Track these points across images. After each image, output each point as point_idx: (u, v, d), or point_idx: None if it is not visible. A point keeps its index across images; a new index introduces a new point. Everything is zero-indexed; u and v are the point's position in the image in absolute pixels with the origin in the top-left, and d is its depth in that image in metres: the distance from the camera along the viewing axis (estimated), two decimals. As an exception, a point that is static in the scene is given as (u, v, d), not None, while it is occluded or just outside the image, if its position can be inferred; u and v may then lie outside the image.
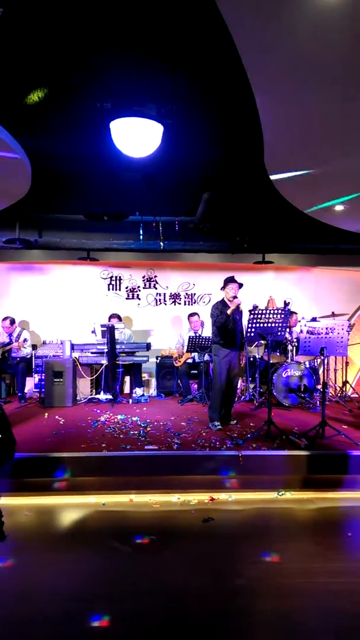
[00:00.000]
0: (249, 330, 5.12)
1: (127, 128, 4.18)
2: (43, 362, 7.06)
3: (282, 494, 4.29)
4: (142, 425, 5.70)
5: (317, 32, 2.74)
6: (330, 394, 7.37)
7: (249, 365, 7.37)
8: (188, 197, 6.41)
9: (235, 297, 5.44)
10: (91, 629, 2.47)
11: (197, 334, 7.38)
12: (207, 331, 6.63)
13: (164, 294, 8.95)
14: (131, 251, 8.00)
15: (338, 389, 7.64)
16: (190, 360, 7.58)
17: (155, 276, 8.94)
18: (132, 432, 5.33)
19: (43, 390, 7.06)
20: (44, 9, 2.91)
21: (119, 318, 8.08)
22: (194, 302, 8.95)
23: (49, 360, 7.05)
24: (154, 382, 8.30)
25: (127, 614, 2.59)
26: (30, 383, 7.63)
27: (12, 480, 4.27)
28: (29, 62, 3.49)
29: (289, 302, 6.29)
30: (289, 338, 6.97)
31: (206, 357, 7.14)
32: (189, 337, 7.22)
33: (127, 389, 8.23)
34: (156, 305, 8.96)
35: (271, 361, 6.84)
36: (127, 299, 8.92)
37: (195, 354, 7.41)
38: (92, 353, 7.38)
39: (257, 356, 7.47)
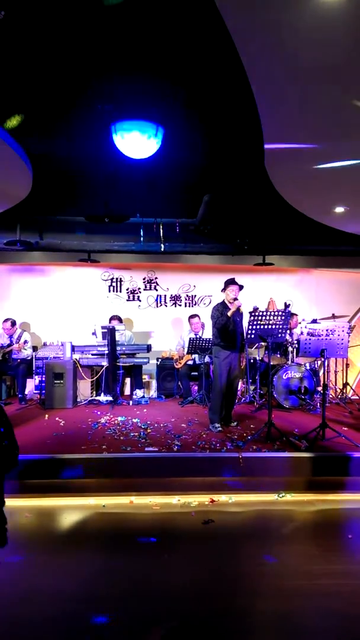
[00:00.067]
0: (249, 332, 5.12)
1: (128, 130, 4.20)
2: (43, 363, 7.07)
3: (283, 496, 4.29)
4: (143, 427, 5.70)
5: (318, 31, 2.75)
6: (330, 396, 7.37)
7: (249, 367, 7.37)
8: (189, 199, 6.42)
9: (235, 299, 5.44)
10: (91, 630, 2.48)
11: (198, 336, 7.39)
12: (208, 333, 6.64)
13: (165, 295, 8.96)
14: (132, 253, 8.02)
15: (338, 390, 7.64)
16: (190, 362, 7.59)
17: (156, 278, 8.95)
18: (132, 434, 5.33)
19: (43, 391, 7.06)
20: (46, 14, 2.92)
21: (120, 320, 8.08)
22: (195, 304, 8.96)
23: (49, 361, 7.06)
24: (154, 383, 8.31)
25: (128, 615, 2.59)
26: (30, 385, 7.64)
27: (12, 482, 4.27)
28: (29, 63, 3.50)
29: (289, 304, 6.28)
30: (290, 340, 6.97)
31: (207, 359, 7.14)
32: (190, 338, 7.23)
33: (127, 391, 8.23)
34: (157, 306, 8.96)
35: (271, 363, 6.85)
36: (127, 300, 8.93)
37: (196, 356, 7.41)
38: (92, 355, 7.38)
39: (257, 358, 7.47)
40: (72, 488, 4.33)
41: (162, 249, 7.60)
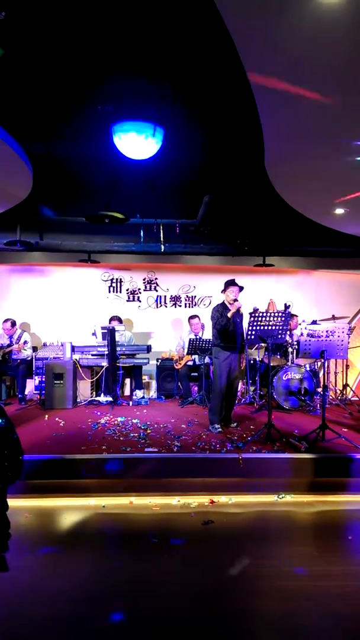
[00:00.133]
0: (249, 332, 5.12)
1: (128, 130, 4.20)
2: (43, 364, 7.07)
3: (282, 497, 4.28)
4: (143, 427, 5.69)
5: (317, 32, 2.75)
6: (330, 397, 7.36)
7: (249, 367, 7.37)
8: (188, 200, 6.43)
9: (235, 300, 5.44)
10: (91, 630, 2.47)
11: (198, 337, 7.38)
12: (208, 334, 6.64)
13: (165, 296, 8.97)
14: (132, 253, 8.02)
15: (338, 392, 7.64)
16: (190, 363, 7.59)
17: (156, 278, 8.95)
18: (132, 435, 5.33)
19: (43, 392, 7.06)
20: (47, 15, 2.93)
21: (120, 320, 8.08)
22: (195, 305, 8.96)
23: (49, 362, 7.06)
24: (154, 384, 8.30)
25: (127, 615, 2.59)
26: (30, 385, 7.64)
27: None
28: (29, 63, 3.50)
29: (289, 305, 6.27)
30: (290, 341, 6.97)
31: (206, 360, 7.14)
32: (190, 339, 7.23)
33: (127, 391, 8.23)
34: (157, 307, 8.97)
35: (271, 364, 6.84)
36: (127, 301, 8.94)
37: (196, 357, 7.41)
38: (92, 355, 7.38)
39: (257, 359, 7.47)
40: (72, 488, 4.32)
41: (162, 250, 7.61)
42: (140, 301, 8.95)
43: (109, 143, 4.50)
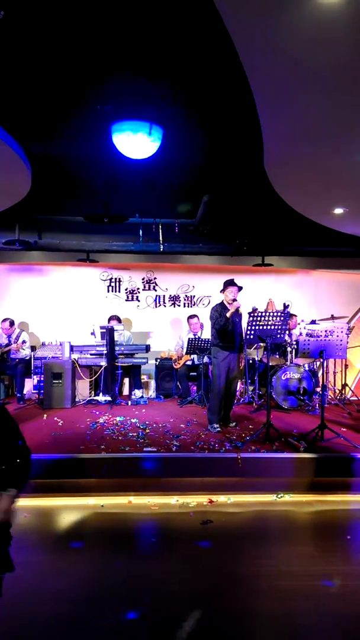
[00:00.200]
0: (248, 332, 5.12)
1: (127, 130, 4.20)
2: (42, 363, 7.06)
3: (281, 497, 4.29)
4: (141, 427, 5.69)
5: (317, 32, 2.75)
6: (329, 397, 7.37)
7: (248, 367, 7.38)
8: (188, 200, 6.43)
9: (234, 300, 5.45)
10: (91, 629, 2.47)
11: (197, 336, 7.39)
12: (207, 333, 6.64)
13: (164, 295, 8.96)
14: (131, 253, 8.02)
15: (337, 391, 7.65)
16: (189, 362, 7.59)
17: (155, 278, 8.95)
18: (131, 434, 5.33)
19: (42, 391, 7.05)
20: (46, 14, 2.92)
21: (119, 320, 8.08)
22: (194, 304, 8.96)
23: (48, 361, 7.05)
24: (153, 384, 8.30)
25: (126, 615, 2.59)
26: (29, 384, 7.63)
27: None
28: (29, 63, 3.50)
29: (288, 305, 6.28)
30: (288, 340, 6.98)
31: (205, 359, 7.14)
32: (189, 339, 7.23)
33: (126, 391, 8.23)
34: (155, 307, 8.96)
35: (270, 364, 6.84)
36: (126, 300, 8.93)
37: (195, 356, 7.41)
38: (91, 355, 7.38)
39: (256, 358, 7.47)
40: (71, 488, 4.32)
41: (161, 250, 7.61)
42: (139, 301, 8.95)
43: (109, 143, 4.50)
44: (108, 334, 7.08)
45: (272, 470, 4.50)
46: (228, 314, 5.38)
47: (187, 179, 5.72)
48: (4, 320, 7.49)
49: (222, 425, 5.62)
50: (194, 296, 8.97)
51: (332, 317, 7.54)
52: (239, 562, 3.22)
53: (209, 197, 6.17)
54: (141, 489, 4.31)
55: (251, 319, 5.12)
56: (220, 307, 5.52)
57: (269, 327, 5.13)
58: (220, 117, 4.28)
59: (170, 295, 8.96)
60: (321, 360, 5.43)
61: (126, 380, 8.09)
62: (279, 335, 5.20)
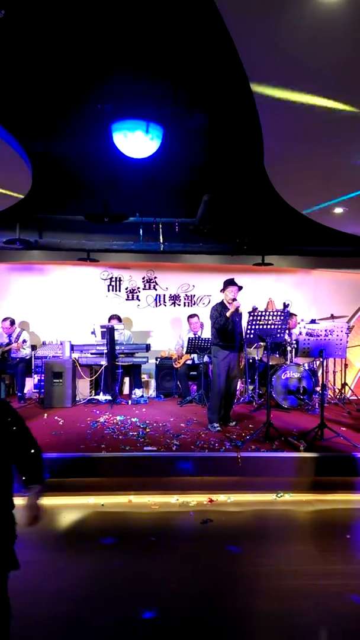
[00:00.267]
0: (248, 331, 5.12)
1: (127, 129, 4.20)
2: (43, 362, 7.06)
3: (281, 496, 4.29)
4: (142, 426, 5.70)
5: (317, 31, 2.75)
6: (329, 396, 7.37)
7: (248, 366, 7.38)
8: (188, 199, 6.42)
9: (234, 299, 5.45)
10: (91, 629, 2.48)
11: (197, 336, 7.39)
12: (207, 332, 6.64)
13: (164, 295, 8.96)
14: (131, 252, 8.01)
15: (337, 391, 7.65)
16: (189, 362, 7.59)
17: (155, 277, 8.94)
18: (131, 433, 5.33)
19: (42, 390, 7.06)
20: (47, 13, 2.92)
21: (119, 319, 8.08)
22: (194, 304, 8.96)
23: (48, 360, 7.05)
24: (153, 383, 8.30)
25: (126, 614, 2.59)
26: (29, 383, 7.64)
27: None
28: (29, 62, 3.50)
29: (288, 304, 6.29)
30: (288, 340, 6.98)
31: (205, 359, 7.14)
32: (189, 338, 7.23)
33: (126, 390, 8.23)
34: (156, 306, 8.96)
35: (270, 363, 6.84)
36: (126, 300, 8.93)
37: (195, 356, 7.41)
38: (91, 354, 7.38)
39: (256, 358, 7.47)
40: (71, 487, 4.33)
41: (162, 249, 7.60)
42: (139, 300, 8.94)
43: (109, 142, 4.50)
44: (108, 333, 7.09)
45: (272, 470, 4.50)
46: (228, 314, 5.39)
47: (187, 178, 5.72)
48: (5, 319, 7.49)
49: (222, 424, 5.63)
50: (194, 295, 8.97)
51: (332, 317, 7.54)
52: (239, 562, 3.23)
53: (209, 197, 6.17)
54: (141, 488, 4.32)
55: (251, 318, 5.12)
56: (220, 307, 5.52)
57: (269, 327, 5.13)
58: (221, 116, 4.28)
59: (170, 295, 8.96)
60: (321, 359, 5.43)
61: (126, 380, 8.09)
62: (279, 335, 5.20)
